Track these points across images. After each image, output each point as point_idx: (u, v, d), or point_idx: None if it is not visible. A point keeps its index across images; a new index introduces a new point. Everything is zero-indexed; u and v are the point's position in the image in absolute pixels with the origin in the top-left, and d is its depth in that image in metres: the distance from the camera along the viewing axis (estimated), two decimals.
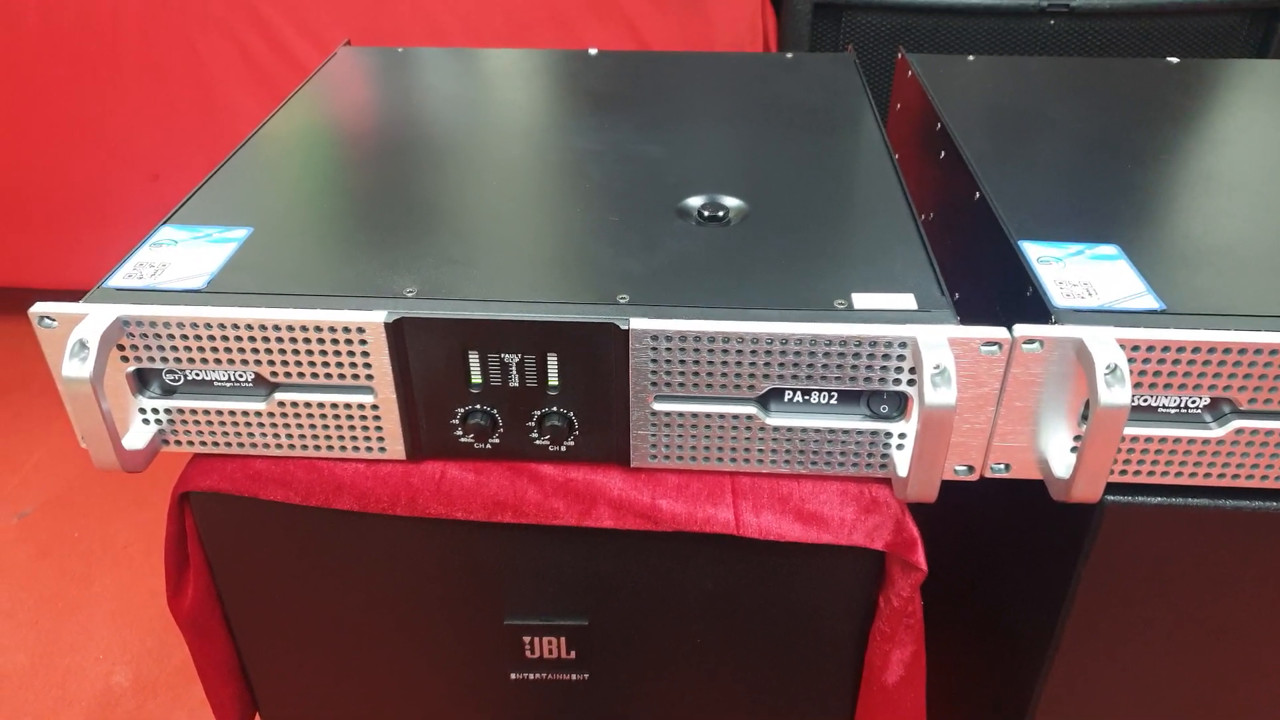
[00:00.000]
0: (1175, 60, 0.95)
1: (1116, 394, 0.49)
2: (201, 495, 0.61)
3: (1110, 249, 0.60)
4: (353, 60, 0.95)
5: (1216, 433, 0.54)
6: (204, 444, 0.60)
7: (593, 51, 0.97)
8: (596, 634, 0.66)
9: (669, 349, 0.54)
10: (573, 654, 0.67)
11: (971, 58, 0.96)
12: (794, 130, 0.79)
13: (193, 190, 0.68)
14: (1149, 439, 0.55)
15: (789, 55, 0.97)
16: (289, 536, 0.63)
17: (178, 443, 0.60)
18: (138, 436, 0.59)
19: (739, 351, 0.54)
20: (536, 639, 0.67)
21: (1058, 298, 0.55)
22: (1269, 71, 0.91)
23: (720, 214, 0.65)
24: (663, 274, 0.59)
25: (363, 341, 0.55)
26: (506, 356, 0.56)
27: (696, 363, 0.54)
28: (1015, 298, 0.59)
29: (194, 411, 0.59)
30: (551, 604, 0.65)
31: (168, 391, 0.59)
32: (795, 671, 0.67)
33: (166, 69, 1.54)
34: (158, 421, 0.59)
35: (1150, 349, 0.52)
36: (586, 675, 0.69)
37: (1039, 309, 0.55)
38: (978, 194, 0.68)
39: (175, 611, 0.66)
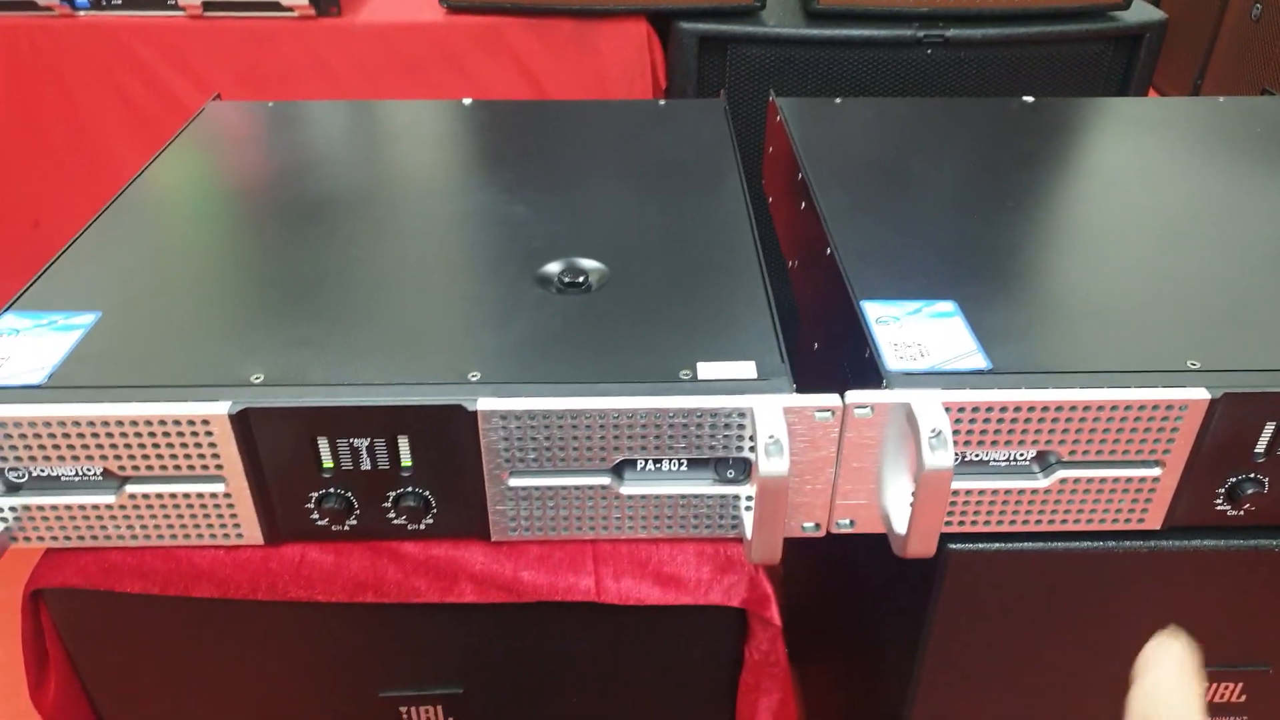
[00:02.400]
0: (1030, 100, 0.99)
1: (939, 457, 0.52)
2: (55, 591, 0.60)
3: (947, 305, 0.62)
4: (219, 117, 0.94)
5: (1043, 483, 0.57)
6: (55, 539, 0.59)
7: (467, 102, 0.97)
8: (473, 701, 0.67)
9: (519, 427, 0.55)
10: None
11: (839, 100, 0.98)
12: (659, 186, 0.80)
13: (39, 272, 0.67)
14: (982, 491, 0.57)
15: (661, 103, 0.99)
16: (151, 626, 0.62)
17: (26, 539, 0.59)
18: None
19: (588, 426, 0.55)
20: (413, 709, 0.67)
21: (891, 360, 0.57)
22: (1119, 110, 0.95)
23: (580, 280, 0.66)
24: (516, 348, 0.59)
25: (208, 433, 0.55)
26: (355, 441, 0.56)
27: (548, 439, 0.55)
28: (857, 357, 0.61)
29: (41, 508, 0.58)
30: (425, 674, 0.66)
31: (12, 489, 0.58)
32: None
33: (40, 113, 1.50)
34: (3, 519, 0.58)
35: (975, 409, 0.54)
36: None
37: (874, 372, 0.57)
38: (828, 249, 0.70)
39: (39, 706, 0.64)
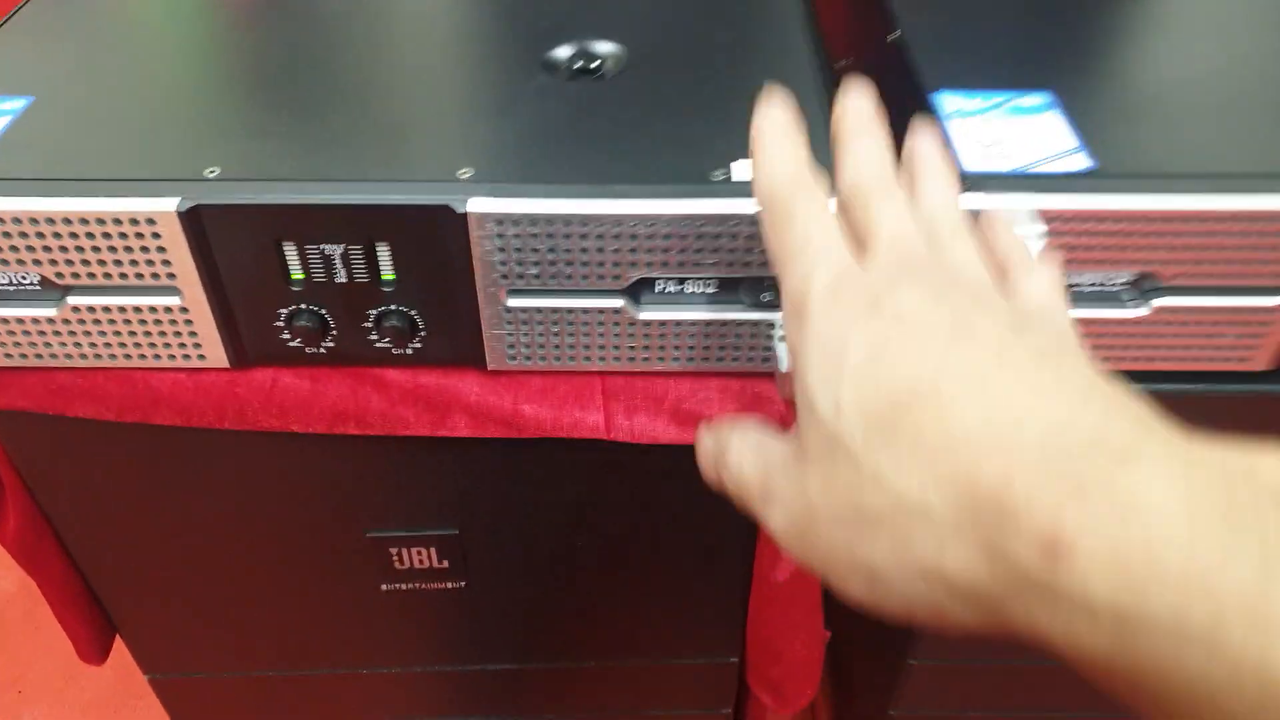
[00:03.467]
0: None
1: None
2: (1, 414, 0.53)
3: (1039, 98, 0.52)
4: None
5: (1139, 311, 0.48)
6: None
7: None
8: (469, 543, 0.61)
9: (517, 235, 0.46)
10: (445, 563, 0.62)
11: None
12: None
13: None
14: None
15: None
16: (113, 453, 0.56)
17: None
18: None
19: (599, 236, 0.46)
20: (403, 549, 0.61)
21: (970, 160, 0.47)
22: None
23: (593, 65, 0.56)
24: (516, 142, 0.50)
25: (155, 235, 0.46)
26: (327, 248, 0.47)
27: (551, 250, 0.47)
28: None
29: None
30: (416, 514, 0.59)
31: None
32: (683, 575, 0.62)
33: None
34: None
35: (1072, 220, 0.45)
36: (463, 583, 0.64)
37: None
38: (890, 34, 0.59)
39: (1, 538, 0.59)
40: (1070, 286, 0.48)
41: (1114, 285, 0.48)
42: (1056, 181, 0.46)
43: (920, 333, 0.28)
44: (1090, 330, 0.49)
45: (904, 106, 0.55)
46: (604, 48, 0.57)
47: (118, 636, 0.69)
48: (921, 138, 0.39)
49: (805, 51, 0.57)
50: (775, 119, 0.37)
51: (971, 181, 0.46)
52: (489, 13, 0.62)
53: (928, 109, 0.51)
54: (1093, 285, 0.48)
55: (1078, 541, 0.23)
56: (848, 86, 0.38)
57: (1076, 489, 0.23)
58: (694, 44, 0.58)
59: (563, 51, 0.57)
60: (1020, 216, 0.43)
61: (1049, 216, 0.44)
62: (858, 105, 0.38)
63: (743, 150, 0.49)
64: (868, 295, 0.30)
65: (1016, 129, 0.49)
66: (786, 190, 0.34)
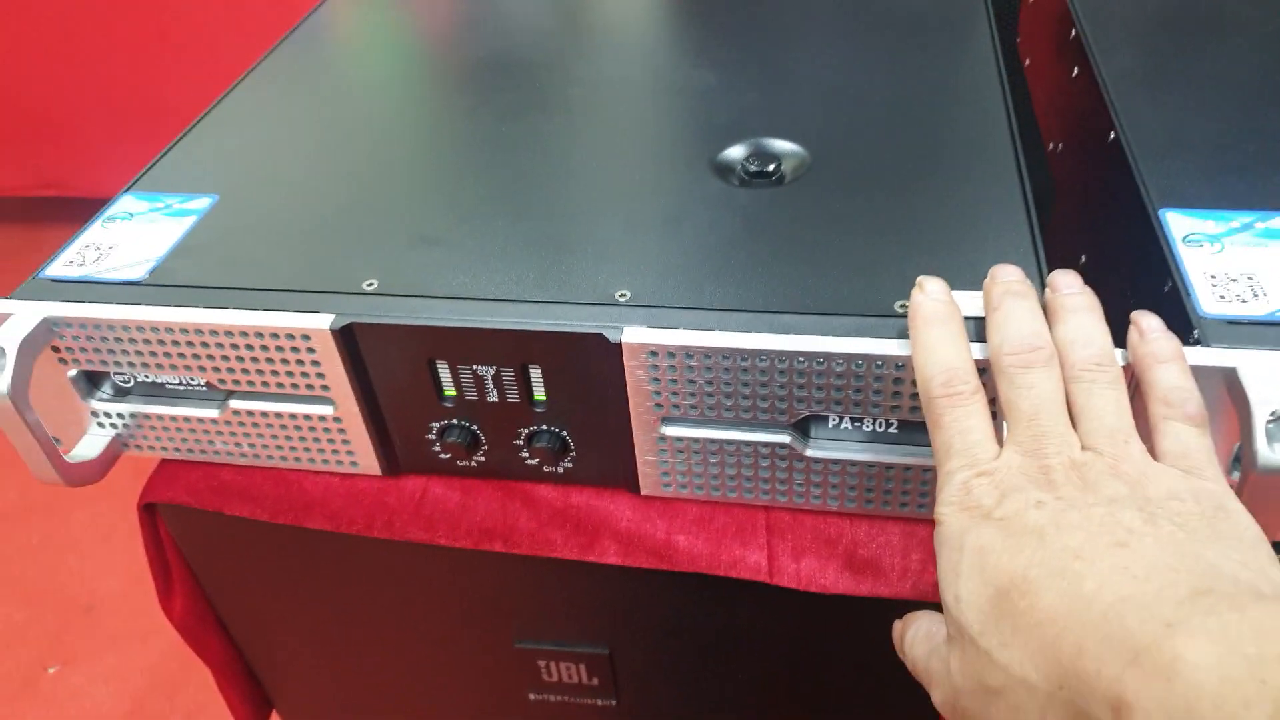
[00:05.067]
0: None
1: None
2: (168, 506, 0.55)
3: None
4: None
5: None
6: (164, 449, 0.53)
7: None
8: (620, 662, 0.57)
9: (673, 366, 0.42)
10: (595, 680, 0.59)
11: None
12: (882, 44, 0.63)
13: (164, 149, 0.60)
14: None
15: None
16: (272, 546, 0.56)
17: (138, 447, 0.53)
18: (92, 443, 0.52)
19: (763, 371, 0.42)
20: (552, 663, 0.58)
21: (1206, 300, 0.40)
22: None
23: (770, 168, 0.52)
24: (680, 259, 0.46)
25: (310, 349, 0.46)
26: (479, 368, 0.45)
27: (710, 383, 0.43)
28: (1151, 289, 0.44)
29: (148, 416, 0.51)
30: (565, 629, 0.57)
31: (120, 393, 0.52)
32: None
33: None
34: (113, 425, 0.52)
35: None
36: (614, 701, 0.60)
37: (1179, 315, 0.40)
38: (1112, 134, 0.52)
39: (168, 616, 0.60)
40: None
41: None
42: None
43: (1019, 534, 0.32)
44: None
45: (1126, 218, 0.48)
46: (782, 147, 0.53)
47: (274, 714, 0.70)
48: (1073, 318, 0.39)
49: (1005, 156, 0.51)
50: (935, 302, 0.40)
51: (1207, 329, 0.39)
52: (665, 108, 0.59)
53: (1152, 234, 0.44)
54: None
55: (1136, 704, 0.26)
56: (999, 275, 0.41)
57: (1133, 658, 0.27)
58: (882, 145, 0.53)
59: (736, 152, 0.53)
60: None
61: None
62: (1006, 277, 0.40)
63: (932, 274, 0.43)
64: (984, 502, 0.34)
65: (1267, 261, 0.41)
66: (938, 394, 0.37)
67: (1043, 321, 0.38)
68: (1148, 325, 0.38)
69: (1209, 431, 0.35)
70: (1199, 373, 0.37)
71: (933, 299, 0.40)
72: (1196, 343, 0.39)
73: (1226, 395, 0.38)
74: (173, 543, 0.57)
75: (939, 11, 0.67)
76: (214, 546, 0.57)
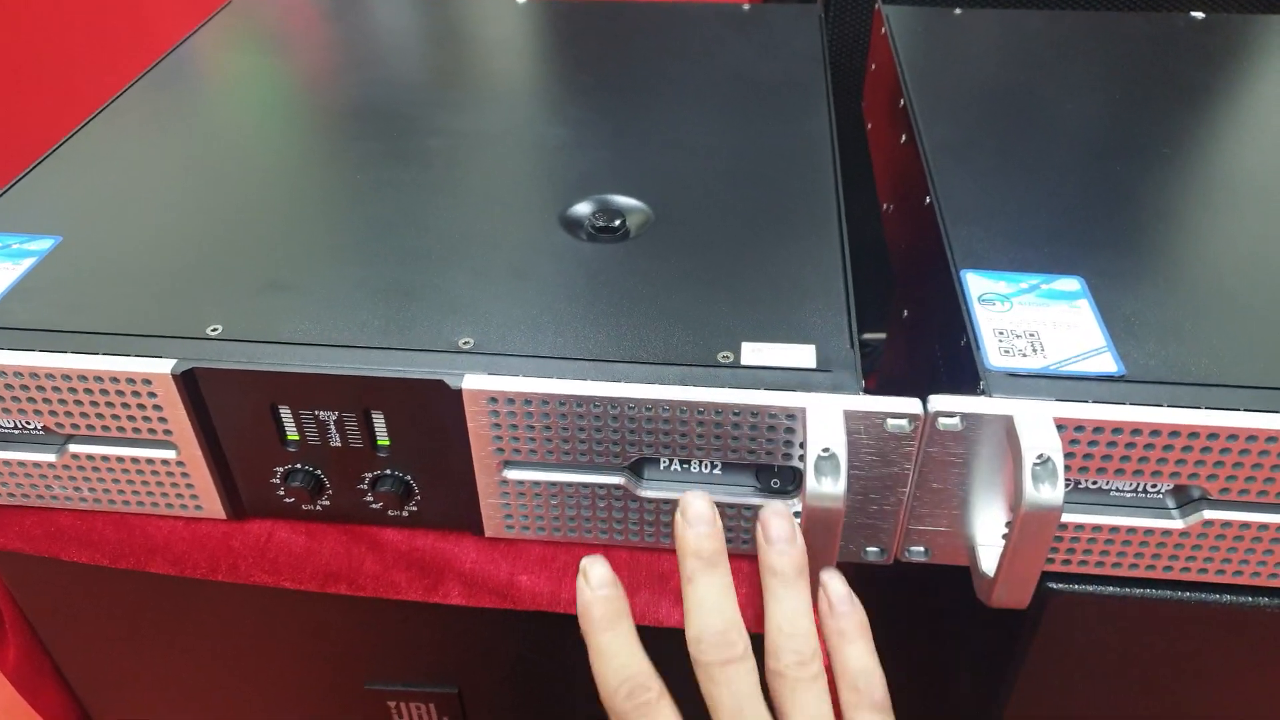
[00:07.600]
0: (1200, 15, 0.81)
1: (1045, 493, 0.39)
2: (0, 554, 0.53)
3: (1072, 283, 0.49)
4: (241, 12, 0.84)
5: (1179, 523, 0.44)
6: None
7: (520, 0, 0.85)
8: (470, 701, 0.58)
9: (512, 412, 0.44)
10: (445, 719, 0.59)
11: (958, 10, 0.83)
12: (729, 110, 0.67)
13: (5, 187, 0.59)
14: (1097, 528, 0.45)
15: (746, 7, 0.85)
16: (111, 593, 0.55)
17: None
18: None
19: (597, 417, 0.44)
20: (402, 704, 0.59)
21: (993, 354, 0.45)
22: None
23: (615, 224, 0.55)
24: (522, 309, 0.49)
25: (151, 394, 0.46)
26: (322, 414, 0.46)
27: (548, 428, 0.45)
28: (951, 342, 0.48)
29: None
30: (414, 670, 0.57)
31: None
32: None
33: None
34: None
35: (1100, 430, 0.41)
36: None
37: (970, 365, 0.45)
38: (927, 197, 0.57)
39: (0, 665, 0.58)
40: (1102, 491, 0.44)
41: (1154, 493, 0.44)
42: (1083, 386, 0.42)
43: None
44: (1124, 540, 0.45)
45: (937, 278, 0.52)
46: (627, 204, 0.56)
47: None
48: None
49: (829, 219, 0.55)
50: (602, 600, 0.41)
51: (991, 380, 0.43)
52: (518, 162, 0.62)
53: (953, 292, 0.48)
54: (1131, 492, 0.44)
55: None
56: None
57: None
58: (721, 204, 0.57)
59: (584, 208, 0.56)
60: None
61: (1075, 425, 0.41)
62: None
63: (758, 330, 0.47)
64: None
65: (1048, 318, 0.46)
66: (621, 706, 0.39)
67: (733, 601, 0.40)
68: (836, 596, 0.42)
69: (892, 713, 0.39)
70: (983, 421, 0.41)
71: (596, 592, 0.41)
72: (982, 392, 0.43)
73: (1006, 440, 0.42)
74: (5, 590, 0.56)
75: (784, 78, 0.72)
76: (51, 593, 0.56)
